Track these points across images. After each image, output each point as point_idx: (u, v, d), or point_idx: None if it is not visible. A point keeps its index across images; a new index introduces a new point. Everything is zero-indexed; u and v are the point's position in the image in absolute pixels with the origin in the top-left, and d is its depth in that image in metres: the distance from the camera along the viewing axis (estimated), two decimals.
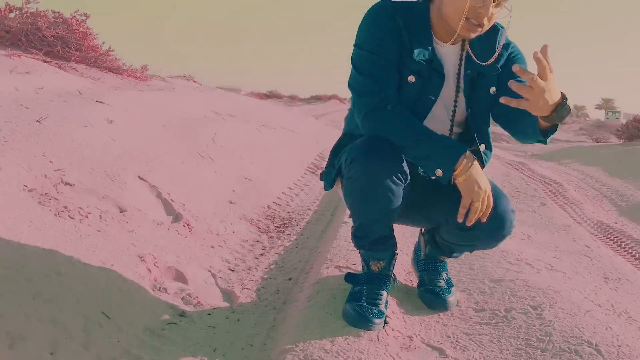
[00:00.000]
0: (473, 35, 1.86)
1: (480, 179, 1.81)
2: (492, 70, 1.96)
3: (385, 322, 1.96)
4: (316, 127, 9.70)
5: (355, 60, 1.92)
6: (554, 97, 1.68)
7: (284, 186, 4.48)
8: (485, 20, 1.81)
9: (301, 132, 7.53)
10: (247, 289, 2.41)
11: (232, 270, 2.59)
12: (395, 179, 1.84)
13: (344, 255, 2.60)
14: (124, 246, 2.37)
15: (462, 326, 2.06)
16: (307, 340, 1.83)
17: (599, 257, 3.07)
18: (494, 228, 1.94)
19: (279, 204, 3.91)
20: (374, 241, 2.01)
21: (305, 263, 2.73)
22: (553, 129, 1.82)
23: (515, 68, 1.61)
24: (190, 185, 3.42)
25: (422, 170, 2.01)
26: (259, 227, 3.29)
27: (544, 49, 1.63)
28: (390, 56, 1.88)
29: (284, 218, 3.60)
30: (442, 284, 2.27)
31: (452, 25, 1.85)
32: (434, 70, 1.91)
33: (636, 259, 3.24)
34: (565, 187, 5.86)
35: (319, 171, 5.43)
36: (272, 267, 2.70)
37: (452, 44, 1.93)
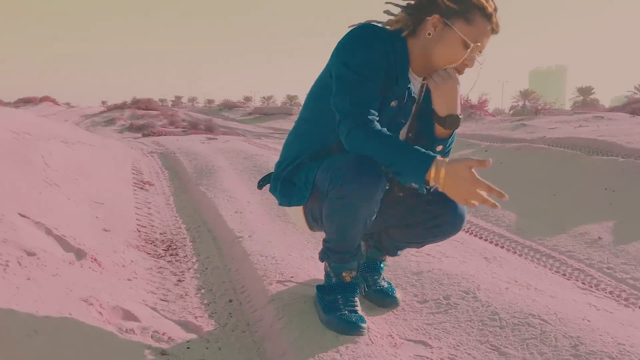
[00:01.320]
0: None
1: (458, 180, 1.79)
2: None
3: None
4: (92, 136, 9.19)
5: (344, 80, 1.96)
6: (454, 102, 1.98)
7: (131, 206, 4.28)
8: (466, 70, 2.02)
9: (99, 144, 7.11)
10: (199, 317, 2.35)
11: (165, 300, 2.49)
12: (381, 195, 1.98)
13: (275, 270, 2.66)
14: (62, 292, 2.15)
15: (421, 318, 2.29)
16: (315, 355, 1.89)
17: (466, 241, 3.54)
18: (457, 222, 2.17)
19: (144, 226, 3.74)
20: (351, 253, 2.12)
21: (231, 283, 2.72)
22: (448, 137, 2.07)
23: None
24: (64, 216, 3.13)
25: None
26: (149, 253, 3.15)
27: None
28: (379, 80, 1.96)
29: (163, 240, 3.47)
30: (385, 283, 2.47)
31: (433, 67, 2.01)
32: (410, 98, 2.06)
33: (490, 242, 3.78)
34: None
35: (146, 185, 5.26)
36: (202, 291, 2.65)
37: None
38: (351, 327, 2.04)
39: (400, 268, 2.79)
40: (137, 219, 3.89)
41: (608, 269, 3.28)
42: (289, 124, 26.26)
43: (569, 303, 2.45)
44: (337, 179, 1.94)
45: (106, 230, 3.31)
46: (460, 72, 2.01)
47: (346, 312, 2.10)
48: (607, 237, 3.83)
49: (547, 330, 2.10)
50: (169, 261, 3.06)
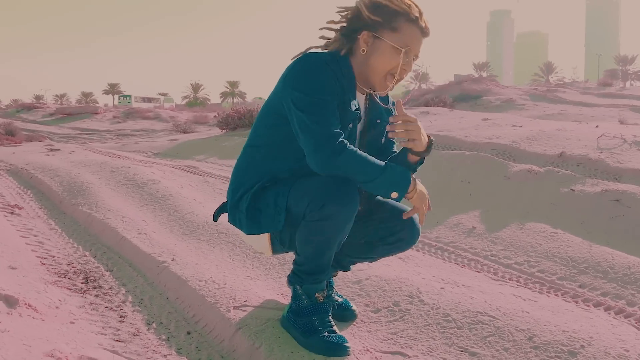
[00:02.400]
0: (388, 89, 2.18)
1: (423, 190, 2.12)
2: (388, 115, 2.32)
3: None
4: None
5: (305, 108, 2.00)
6: (424, 138, 2.14)
7: (14, 235, 3.95)
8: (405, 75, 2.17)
9: None
10: (167, 355, 2.28)
11: (121, 341, 2.38)
12: (354, 214, 2.08)
13: (224, 295, 2.65)
14: (23, 350, 1.99)
15: (383, 329, 2.43)
16: None
17: None
18: (416, 235, 2.32)
19: (44, 257, 3.49)
20: (325, 273, 2.20)
21: (181, 314, 2.66)
22: (421, 161, 2.24)
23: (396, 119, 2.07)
24: None
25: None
26: (69, 289, 2.96)
27: (398, 105, 2.08)
28: (335, 103, 2.04)
29: (75, 272, 3.27)
30: (339, 297, 2.57)
31: (374, 79, 2.13)
32: (359, 118, 2.19)
33: None
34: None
35: (15, 209, 4.86)
36: (152, 325, 2.56)
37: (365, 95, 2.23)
38: (337, 348, 2.12)
39: (339, 279, 2.90)
40: (33, 250, 3.61)
41: (492, 256, 3.67)
42: (96, 124, 25.12)
43: (500, 297, 2.73)
44: (317, 201, 2.00)
45: (13, 268, 3.05)
46: (400, 78, 2.14)
47: (326, 333, 2.17)
48: (480, 226, 4.24)
49: (500, 326, 2.34)
50: (97, 295, 2.91)
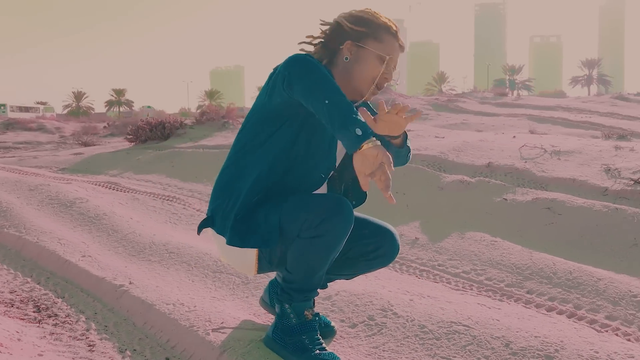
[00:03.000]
0: (372, 96, 2.23)
1: (375, 155, 1.81)
2: None
3: None
4: None
5: (311, 83, 1.93)
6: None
7: None
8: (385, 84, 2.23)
9: None
10: None
11: None
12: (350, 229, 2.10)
13: (197, 318, 2.60)
14: None
15: (364, 343, 2.46)
16: None
17: None
18: (395, 251, 2.37)
19: None
20: (315, 291, 2.21)
21: (154, 339, 2.58)
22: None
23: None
24: None
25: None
26: (22, 319, 2.80)
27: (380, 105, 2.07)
28: None
29: (23, 301, 3.08)
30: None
31: (361, 90, 2.18)
32: None
33: None
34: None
35: None
36: (127, 353, 2.46)
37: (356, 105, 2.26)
38: None
39: None
40: None
41: (439, 266, 3.81)
42: None
43: (467, 306, 2.84)
44: (314, 218, 2.01)
45: None
46: (380, 86, 2.21)
47: (317, 351, 2.18)
48: (422, 237, 4.39)
49: (476, 335, 2.43)
50: (55, 324, 2.76)
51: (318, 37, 2.25)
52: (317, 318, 2.28)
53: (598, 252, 3.83)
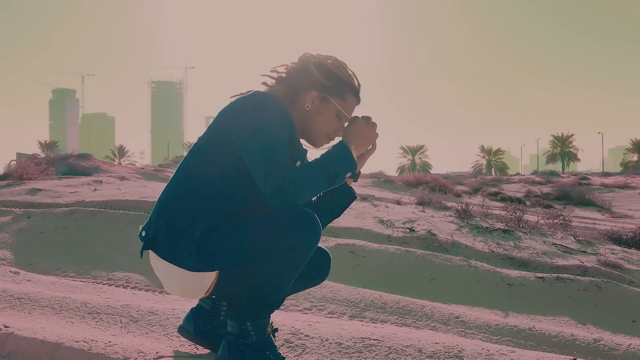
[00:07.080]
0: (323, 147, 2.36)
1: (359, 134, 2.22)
2: None
3: None
4: None
5: (261, 145, 2.04)
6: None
7: None
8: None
9: None
10: None
11: None
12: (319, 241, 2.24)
13: (128, 350, 2.47)
14: None
15: None
16: None
17: None
18: (329, 269, 2.53)
19: None
20: (279, 305, 2.27)
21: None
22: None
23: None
24: None
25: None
26: None
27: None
28: (286, 139, 2.11)
29: None
30: None
31: (315, 141, 2.31)
32: (306, 159, 2.33)
33: None
34: None
35: None
36: None
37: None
38: None
39: None
40: None
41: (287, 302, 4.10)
42: None
43: (352, 326, 3.17)
44: (287, 232, 2.06)
45: None
46: (331, 138, 2.31)
47: None
48: None
49: (391, 345, 2.79)
50: None
51: (281, 74, 2.31)
52: (275, 333, 2.34)
53: (405, 286, 4.54)
